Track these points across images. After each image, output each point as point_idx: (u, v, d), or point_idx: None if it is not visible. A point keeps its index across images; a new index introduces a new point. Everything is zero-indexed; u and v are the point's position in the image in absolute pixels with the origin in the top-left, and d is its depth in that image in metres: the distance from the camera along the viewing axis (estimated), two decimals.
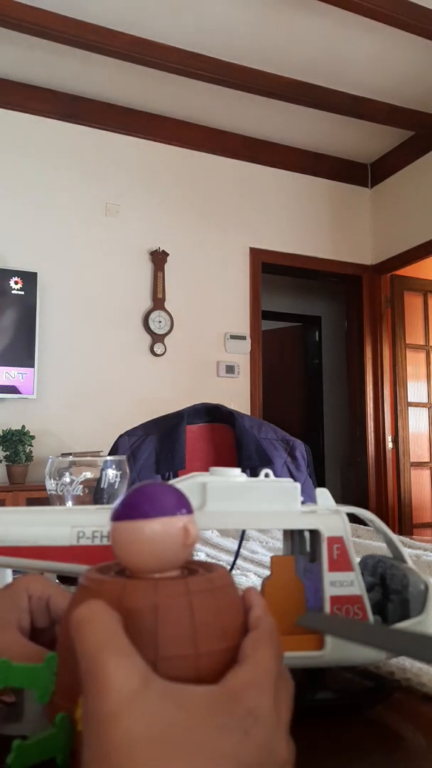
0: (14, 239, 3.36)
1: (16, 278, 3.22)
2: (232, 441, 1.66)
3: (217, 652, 0.28)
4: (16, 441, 3.06)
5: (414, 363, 4.29)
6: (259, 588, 0.45)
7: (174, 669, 0.27)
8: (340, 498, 4.95)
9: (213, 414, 1.73)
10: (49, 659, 0.32)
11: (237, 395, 3.77)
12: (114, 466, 0.74)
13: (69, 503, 0.71)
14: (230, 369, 3.79)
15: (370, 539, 1.11)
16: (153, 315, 3.61)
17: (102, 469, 0.73)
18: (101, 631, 0.26)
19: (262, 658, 0.28)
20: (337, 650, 0.41)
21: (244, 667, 0.28)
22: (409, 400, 4.25)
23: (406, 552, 0.49)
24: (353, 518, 0.48)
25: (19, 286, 3.22)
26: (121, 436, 1.67)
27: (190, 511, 0.31)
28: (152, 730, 0.23)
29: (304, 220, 4.18)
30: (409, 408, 4.25)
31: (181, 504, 0.31)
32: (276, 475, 0.55)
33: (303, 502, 0.46)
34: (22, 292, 3.22)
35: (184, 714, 0.24)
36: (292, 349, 5.73)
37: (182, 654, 0.27)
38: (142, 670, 0.25)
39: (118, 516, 0.30)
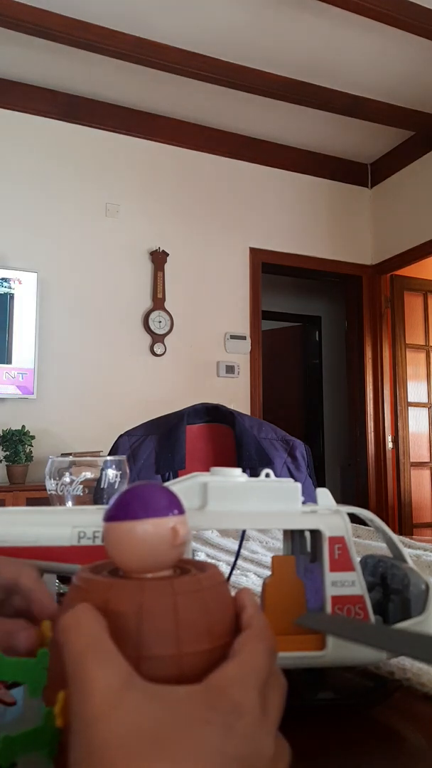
0: (14, 239, 3.36)
1: (16, 278, 3.22)
2: (232, 441, 1.66)
3: (202, 653, 0.28)
4: (16, 441, 3.06)
5: (414, 363, 4.30)
6: (257, 588, 0.45)
7: (156, 669, 0.27)
8: (340, 498, 4.95)
9: (213, 414, 1.73)
10: (41, 655, 0.32)
11: (237, 395, 3.77)
12: (114, 466, 0.74)
13: (69, 503, 0.71)
14: (230, 369, 3.79)
15: (370, 539, 1.11)
16: (153, 315, 3.62)
17: (102, 469, 0.73)
18: (85, 636, 0.27)
19: (250, 656, 0.28)
20: (338, 650, 0.41)
21: (230, 664, 0.28)
22: (409, 400, 4.25)
23: (407, 552, 0.49)
24: (353, 518, 0.48)
25: (19, 286, 3.22)
26: (121, 436, 1.67)
27: (181, 511, 0.31)
28: (136, 729, 0.24)
29: (304, 220, 4.18)
30: (409, 408, 4.25)
31: (172, 505, 0.31)
32: (276, 475, 0.55)
33: (303, 502, 0.46)
34: (23, 292, 3.23)
35: (168, 711, 0.25)
36: (292, 349, 5.73)
37: (165, 654, 0.28)
38: (124, 672, 0.26)
39: (109, 517, 0.31)
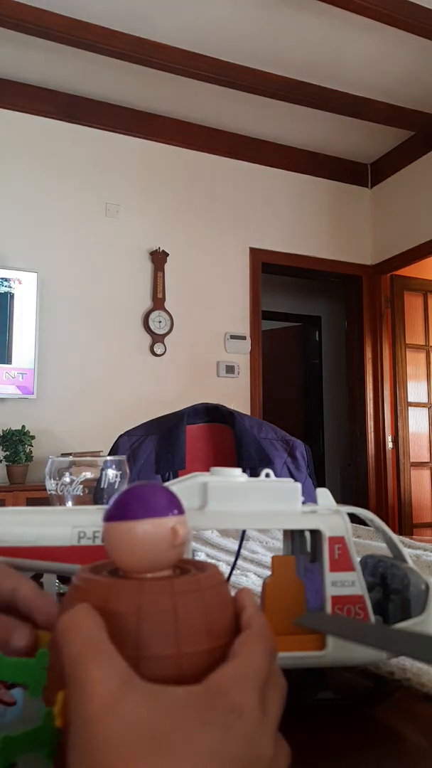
0: (14, 239, 3.36)
1: (16, 278, 3.22)
2: (232, 441, 1.66)
3: (202, 653, 0.28)
4: (16, 441, 3.07)
5: (414, 363, 4.30)
6: (257, 588, 0.45)
7: (156, 669, 0.27)
8: (340, 498, 4.94)
9: (213, 414, 1.73)
10: (40, 654, 0.32)
11: (237, 395, 3.77)
12: (114, 466, 0.74)
13: (69, 503, 0.71)
14: (230, 369, 3.79)
15: (370, 539, 1.11)
16: (153, 315, 3.62)
17: (102, 469, 0.73)
18: (84, 637, 0.27)
19: (249, 656, 0.28)
20: (338, 650, 0.41)
21: (229, 665, 0.28)
22: (409, 400, 4.25)
23: (407, 552, 0.49)
24: (353, 518, 0.48)
25: (19, 286, 3.22)
26: (121, 436, 1.67)
27: (181, 511, 0.31)
28: (135, 729, 0.24)
29: (304, 220, 4.18)
30: (409, 408, 4.25)
31: (172, 505, 0.31)
32: (276, 475, 0.55)
33: (303, 502, 0.46)
34: (23, 292, 3.23)
35: (167, 712, 0.25)
36: (292, 349, 5.73)
37: (164, 654, 0.28)
38: (123, 672, 0.26)
39: (109, 517, 0.31)
